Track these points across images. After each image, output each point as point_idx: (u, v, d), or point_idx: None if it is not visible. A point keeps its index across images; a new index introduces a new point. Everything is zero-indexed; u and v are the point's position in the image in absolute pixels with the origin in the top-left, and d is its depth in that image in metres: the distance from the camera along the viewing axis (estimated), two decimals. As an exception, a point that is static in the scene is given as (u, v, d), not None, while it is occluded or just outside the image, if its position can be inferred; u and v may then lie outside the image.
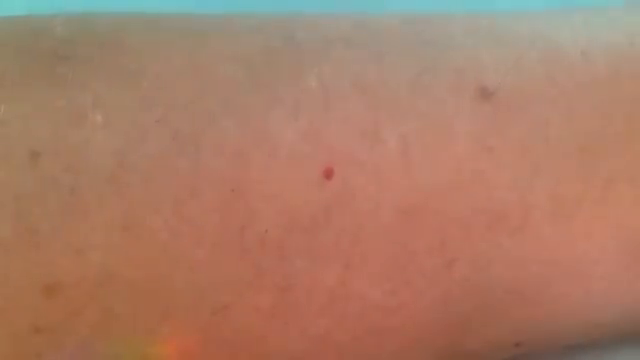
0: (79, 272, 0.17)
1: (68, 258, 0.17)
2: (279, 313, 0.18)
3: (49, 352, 0.17)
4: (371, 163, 0.18)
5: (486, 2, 0.22)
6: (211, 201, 0.17)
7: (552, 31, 0.20)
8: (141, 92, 0.18)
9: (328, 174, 0.18)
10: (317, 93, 0.18)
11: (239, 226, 0.18)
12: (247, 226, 0.18)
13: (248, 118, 0.18)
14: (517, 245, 0.19)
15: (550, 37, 0.19)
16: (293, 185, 0.18)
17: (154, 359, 0.18)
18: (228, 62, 0.18)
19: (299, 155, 0.18)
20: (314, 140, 0.18)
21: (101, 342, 0.17)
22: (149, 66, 0.18)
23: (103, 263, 0.17)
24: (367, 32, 0.19)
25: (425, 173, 0.18)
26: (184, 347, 0.18)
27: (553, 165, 0.19)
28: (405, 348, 0.19)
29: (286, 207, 0.18)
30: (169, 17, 0.19)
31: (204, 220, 0.17)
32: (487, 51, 0.19)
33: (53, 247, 0.17)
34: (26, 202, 0.17)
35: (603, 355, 0.22)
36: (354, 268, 0.18)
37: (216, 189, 0.17)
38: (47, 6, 0.20)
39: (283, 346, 0.19)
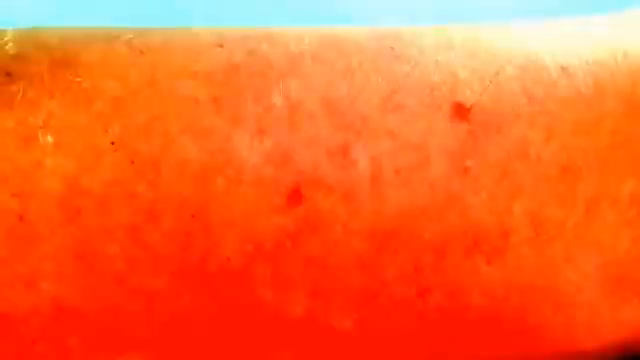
0: (29, 304, 0.16)
1: (17, 290, 0.16)
2: (243, 345, 0.17)
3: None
4: (340, 186, 0.17)
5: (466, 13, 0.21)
6: (170, 227, 0.16)
7: (530, 45, 0.19)
8: (96, 112, 0.17)
9: (295, 198, 0.17)
10: (283, 112, 0.17)
11: (200, 254, 0.17)
12: (209, 254, 0.17)
13: (209, 139, 0.17)
14: (495, 271, 0.18)
15: (528, 51, 0.19)
16: (257, 210, 0.17)
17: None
18: (188, 80, 0.17)
19: (264, 178, 0.17)
20: (280, 162, 0.17)
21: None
22: (104, 84, 0.17)
23: (54, 294, 0.16)
24: (336, 47, 0.18)
25: (397, 196, 0.17)
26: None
27: (533, 186, 0.18)
28: (379, 378, 0.19)
29: (250, 233, 0.17)
30: (126, 30, 0.18)
31: (163, 248, 0.16)
32: (462, 66, 0.18)
33: (1, 278, 0.16)
34: None
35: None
36: (322, 297, 0.17)
37: (176, 215, 0.16)
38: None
39: (248, 380, 0.18)
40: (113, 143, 0.16)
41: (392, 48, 0.18)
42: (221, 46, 0.18)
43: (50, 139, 0.16)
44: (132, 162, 0.16)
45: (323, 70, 0.18)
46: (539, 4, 0.22)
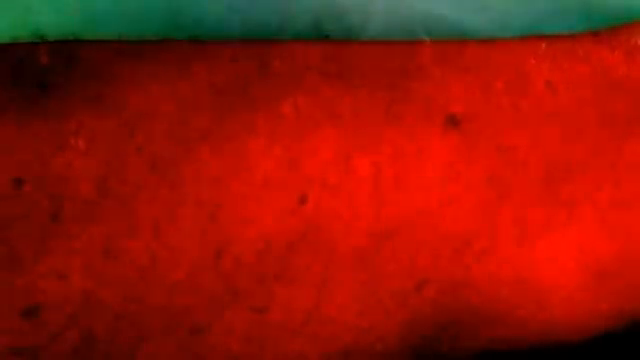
0: (60, 295, 0.18)
1: (49, 281, 0.17)
2: (255, 334, 0.19)
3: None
4: (344, 189, 0.19)
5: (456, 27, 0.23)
6: (189, 226, 0.18)
7: (518, 60, 0.20)
8: (122, 120, 0.18)
9: (303, 200, 0.18)
10: (292, 122, 0.19)
11: (216, 250, 0.18)
12: (224, 250, 0.18)
13: (225, 146, 0.18)
14: (484, 268, 0.19)
15: (516, 66, 0.20)
16: (268, 210, 0.18)
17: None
18: (205, 91, 0.19)
19: (274, 181, 0.18)
20: (289, 167, 0.18)
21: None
22: (130, 95, 0.18)
23: (83, 286, 0.18)
24: (341, 61, 0.20)
25: (396, 199, 0.19)
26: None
27: (519, 190, 0.19)
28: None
29: (262, 232, 0.18)
30: (150, 44, 0.20)
31: (182, 244, 0.18)
32: (455, 80, 0.20)
33: (35, 271, 0.17)
34: (9, 227, 0.17)
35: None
36: (327, 290, 0.19)
37: (194, 215, 0.18)
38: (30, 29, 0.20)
39: (258, 366, 0.19)
40: (138, 149, 0.18)
41: (392, 62, 0.20)
42: (236, 60, 0.19)
43: (81, 144, 0.18)
44: (155, 166, 0.18)
45: (329, 83, 0.19)
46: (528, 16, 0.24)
